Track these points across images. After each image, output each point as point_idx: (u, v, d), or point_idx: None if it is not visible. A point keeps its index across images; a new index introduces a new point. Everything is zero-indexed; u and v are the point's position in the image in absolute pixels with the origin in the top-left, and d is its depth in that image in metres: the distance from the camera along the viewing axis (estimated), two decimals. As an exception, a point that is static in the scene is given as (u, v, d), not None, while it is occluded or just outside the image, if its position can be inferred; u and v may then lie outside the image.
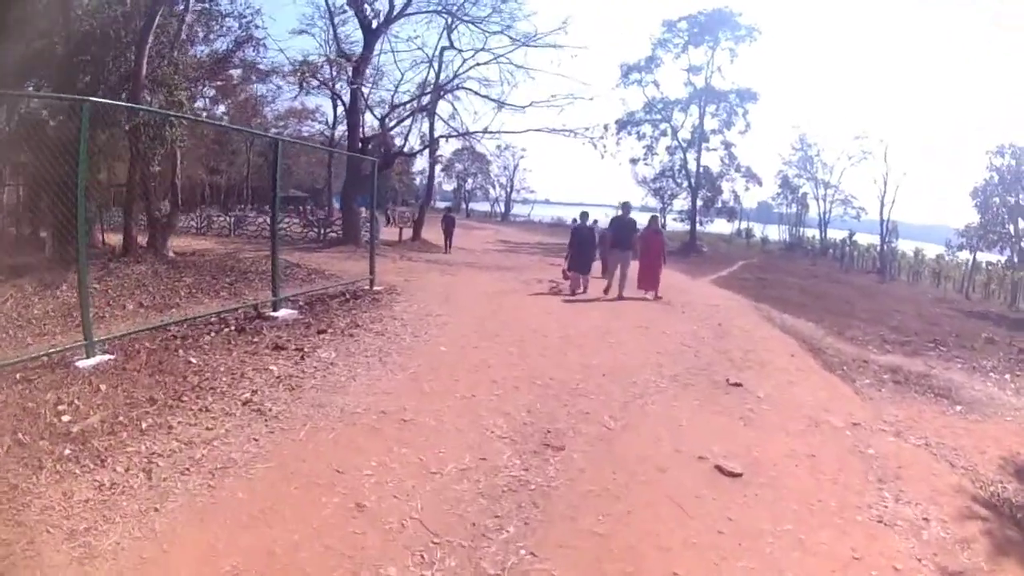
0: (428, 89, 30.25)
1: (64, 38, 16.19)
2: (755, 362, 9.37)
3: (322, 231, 30.76)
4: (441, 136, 32.91)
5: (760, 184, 54.13)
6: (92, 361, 7.00)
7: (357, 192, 27.34)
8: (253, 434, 5.36)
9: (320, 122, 51.13)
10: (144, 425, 5.34)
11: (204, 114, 28.64)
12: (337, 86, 30.13)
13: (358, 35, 28.22)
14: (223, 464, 4.78)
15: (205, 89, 27.44)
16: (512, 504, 4.48)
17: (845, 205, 56.15)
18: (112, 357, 7.26)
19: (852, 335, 12.82)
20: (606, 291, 15.08)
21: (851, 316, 16.23)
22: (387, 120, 30.54)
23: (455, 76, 30.18)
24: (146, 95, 16.55)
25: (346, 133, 30.74)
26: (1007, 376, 10.09)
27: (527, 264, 24.66)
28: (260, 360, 7.58)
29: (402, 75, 33.51)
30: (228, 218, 34.58)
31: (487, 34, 28.79)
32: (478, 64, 29.47)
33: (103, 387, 6.20)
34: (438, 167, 57.58)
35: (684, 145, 48.99)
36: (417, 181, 63.27)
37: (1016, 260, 38.20)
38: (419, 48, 30.10)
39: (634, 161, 51.89)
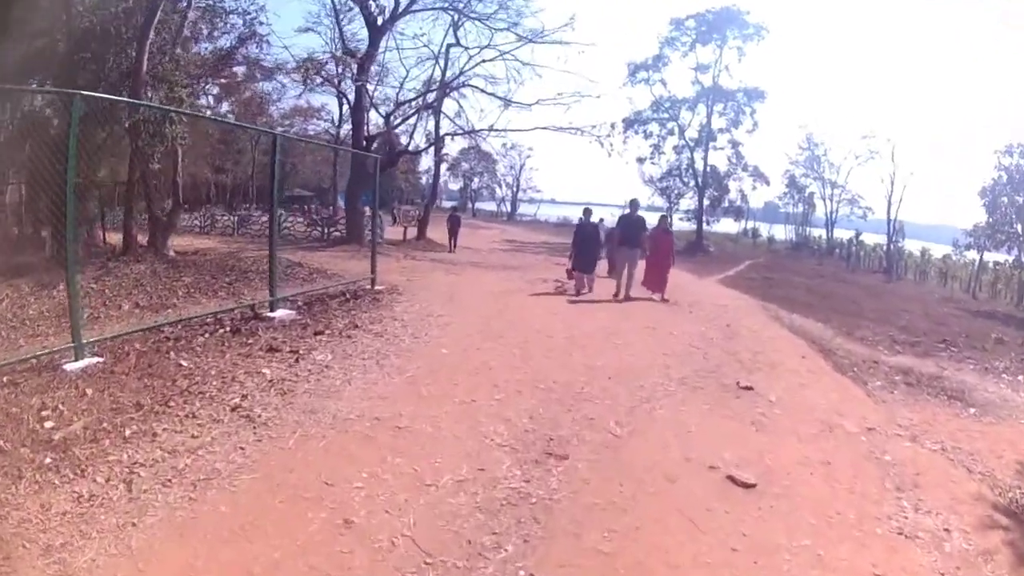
0: (434, 86, 30.12)
1: (66, 35, 16.08)
2: (765, 364, 9.10)
3: (326, 230, 30.61)
4: (447, 134, 32.71)
5: (767, 183, 54.20)
6: (80, 364, 6.78)
7: (361, 191, 27.07)
8: (240, 442, 5.10)
9: (326, 120, 51.10)
10: (128, 432, 5.10)
11: (208, 112, 28.46)
12: (343, 84, 29.94)
13: (364, 33, 28.04)
14: (206, 475, 4.53)
15: (208, 86, 27.25)
16: (511, 519, 4.20)
17: (852, 205, 55.58)
18: (101, 360, 7.03)
19: (861, 335, 12.61)
20: (616, 294, 14.66)
21: (859, 316, 16.09)
22: (392, 118, 30.37)
23: (461, 73, 30.04)
24: (147, 92, 16.33)
25: (351, 131, 30.49)
26: (1020, 377, 9.87)
27: (533, 263, 24.47)
28: (253, 363, 7.33)
29: (407, 72, 33.27)
30: (232, 217, 34.46)
31: (493, 31, 28.57)
32: (484, 61, 29.28)
33: (89, 391, 5.99)
34: (444, 166, 57.51)
35: (691, 144, 48.68)
36: (423, 180, 63.24)
37: (1024, 260, 37.92)
38: (425, 45, 29.88)
39: (641, 160, 51.48)
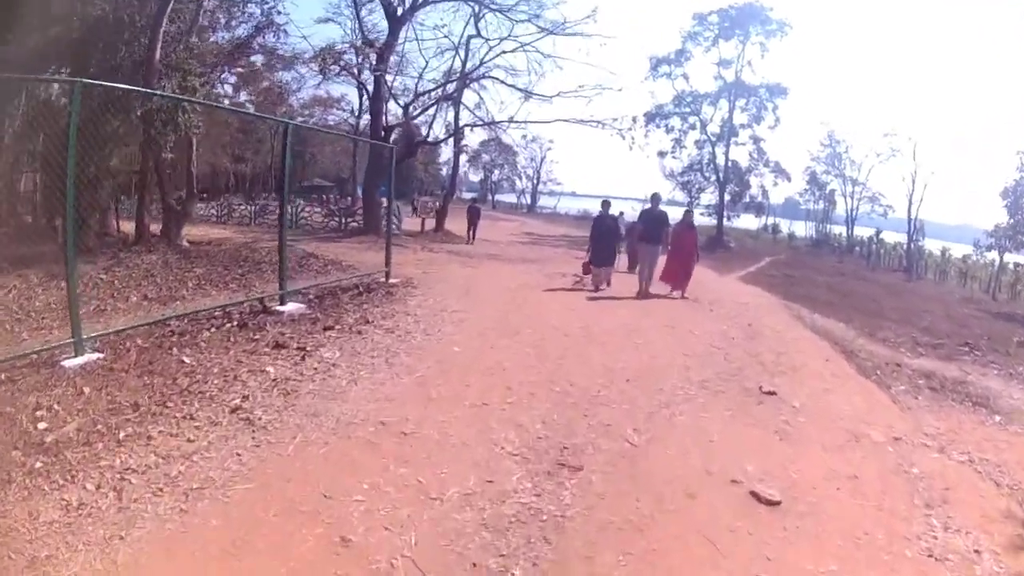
0: (454, 77, 30.03)
1: (80, 23, 15.93)
2: (788, 367, 8.75)
3: (343, 220, 30.48)
4: (466, 125, 32.59)
5: (789, 180, 53.67)
6: (79, 360, 6.62)
7: (379, 181, 26.91)
8: (237, 447, 4.85)
9: (345, 111, 51.07)
10: (122, 435, 4.89)
11: (226, 101, 28.36)
12: (363, 75, 29.75)
13: (384, 24, 27.98)
14: (200, 483, 4.28)
15: (225, 75, 27.12)
16: (520, 539, 3.91)
17: (872, 202, 55.32)
18: (101, 356, 6.87)
19: (883, 336, 12.33)
20: (639, 292, 14.31)
21: (880, 316, 15.84)
22: (411, 108, 30.28)
23: (481, 64, 30.02)
24: (161, 80, 16.17)
25: (370, 121, 30.33)
26: (1045, 385, 9.47)
27: (551, 256, 24.25)
28: (257, 360, 7.08)
29: (427, 63, 33.03)
30: (249, 207, 34.42)
31: (514, 22, 28.48)
32: (504, 52, 29.29)
33: (86, 390, 5.82)
34: (465, 157, 57.43)
35: (713, 139, 48.29)
36: (444, 171, 63.14)
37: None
38: (445, 36, 29.73)
39: (662, 154, 51.06)
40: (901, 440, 6.21)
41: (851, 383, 8.36)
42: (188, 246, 17.53)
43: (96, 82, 8.46)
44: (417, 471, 4.64)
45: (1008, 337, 14.42)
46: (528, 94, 29.33)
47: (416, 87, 30.39)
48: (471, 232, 28.71)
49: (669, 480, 4.83)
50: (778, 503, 4.58)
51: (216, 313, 9.31)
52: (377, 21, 28.81)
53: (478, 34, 29.14)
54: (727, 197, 48.55)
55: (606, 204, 15.95)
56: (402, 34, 27.94)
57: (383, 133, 27.32)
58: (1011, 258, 40.45)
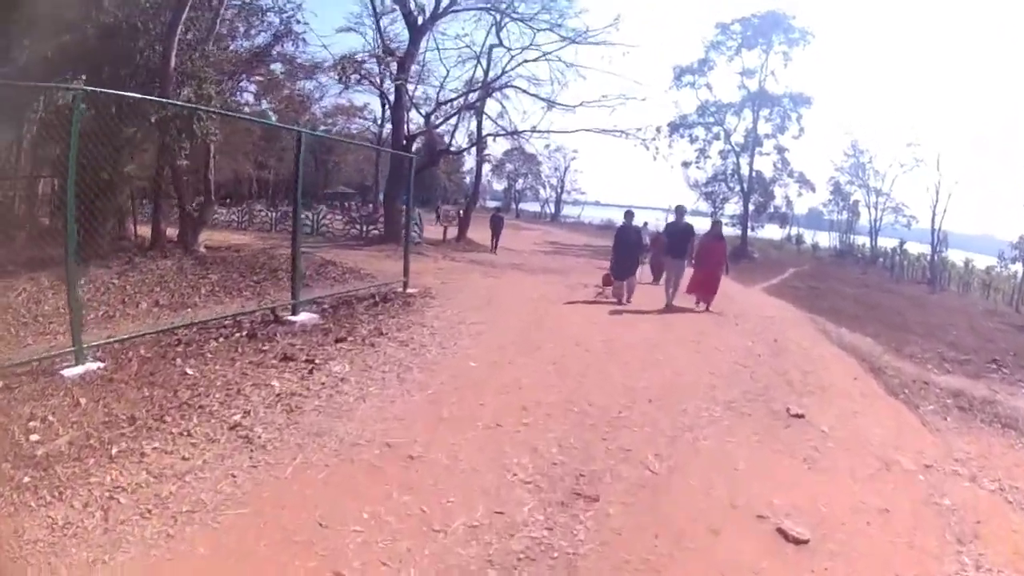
0: (476, 86, 29.93)
1: (94, 30, 15.90)
2: (816, 386, 8.39)
3: (364, 228, 30.32)
4: (488, 135, 32.37)
5: (813, 190, 53.68)
6: (79, 369, 6.41)
7: (400, 189, 26.78)
8: (233, 468, 4.58)
9: (368, 119, 51.28)
10: (115, 451, 4.66)
11: (247, 109, 28.37)
12: (385, 84, 29.71)
13: (406, 34, 27.95)
14: (190, 506, 4.02)
15: (244, 83, 27.18)
16: (529, 579, 3.59)
17: (896, 213, 55.10)
18: (102, 365, 6.66)
19: (910, 352, 12.10)
20: (665, 307, 13.96)
21: (906, 330, 15.61)
22: (433, 117, 30.15)
23: (503, 73, 29.86)
24: (176, 88, 16.10)
25: (391, 130, 30.26)
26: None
27: (574, 267, 24.04)
28: (263, 373, 6.81)
29: (447, 72, 32.97)
30: (270, 213, 34.42)
31: (535, 31, 28.35)
32: (526, 61, 29.09)
33: (83, 401, 5.59)
34: (488, 167, 57.42)
35: (737, 149, 48.31)
36: (468, 180, 63.20)
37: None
38: (467, 46, 29.59)
39: (686, 164, 51.19)
40: (932, 467, 5.90)
41: (880, 404, 8.04)
42: (205, 252, 17.41)
43: (97, 89, 8.35)
44: (422, 499, 4.33)
45: (1034, 352, 14.06)
46: (551, 104, 29.13)
47: (438, 96, 30.43)
48: (494, 241, 28.54)
49: (691, 514, 4.49)
50: (806, 542, 4.24)
51: (226, 322, 9.09)
52: (398, 31, 28.86)
53: (500, 43, 29.03)
54: (751, 207, 48.51)
55: (629, 215, 15.48)
56: (423, 43, 27.89)
57: (404, 142, 27.19)
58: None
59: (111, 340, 7.45)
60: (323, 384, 6.57)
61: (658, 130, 29.78)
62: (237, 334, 8.49)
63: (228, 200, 43.18)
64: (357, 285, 13.53)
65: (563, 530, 4.12)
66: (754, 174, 48.06)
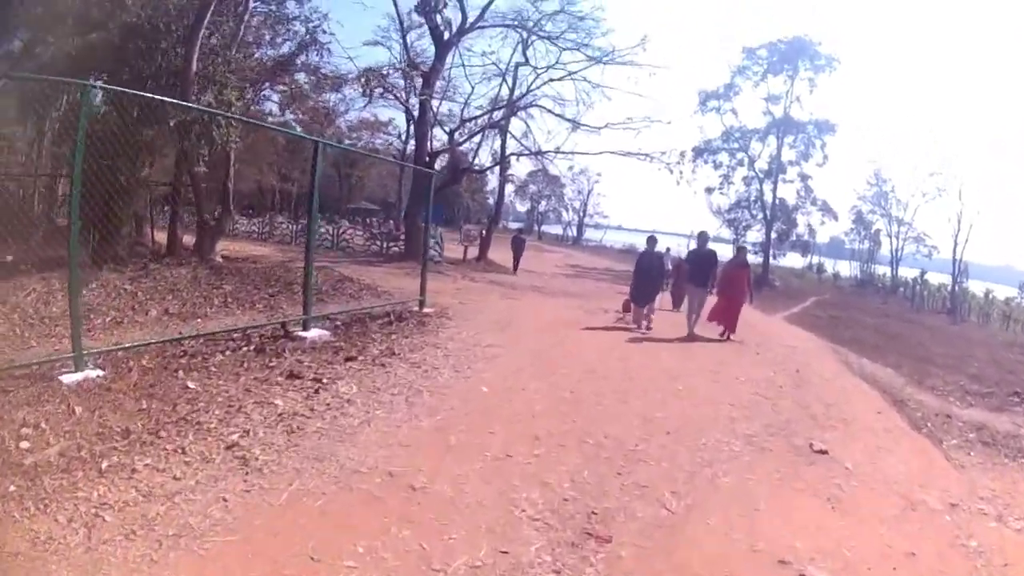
0: (500, 104, 29.94)
1: (118, 29, 16.00)
2: (839, 420, 8.11)
3: (385, 245, 30.21)
4: (512, 154, 32.40)
5: (836, 219, 54.17)
6: (77, 376, 6.25)
7: (422, 206, 26.75)
8: (225, 491, 4.34)
9: (392, 135, 51.56)
10: (105, 465, 4.48)
11: (271, 119, 28.44)
12: (411, 101, 29.80)
13: (432, 50, 28.13)
14: (177, 530, 3.80)
15: (268, 92, 27.30)
16: (532, 629, 3.30)
17: (917, 243, 54.83)
18: (102, 373, 6.50)
19: (932, 384, 11.89)
20: (687, 335, 13.62)
21: (928, 361, 15.33)
22: (457, 135, 30.16)
23: (528, 91, 30.03)
24: (196, 92, 16.12)
25: (415, 146, 30.28)
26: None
27: (595, 291, 23.81)
28: (267, 390, 6.58)
29: (472, 88, 33.03)
30: (291, 226, 34.44)
31: (561, 49, 28.52)
32: (552, 80, 29.28)
33: (78, 410, 5.43)
34: (511, 187, 57.53)
35: (761, 176, 48.33)
36: (491, 200, 63.49)
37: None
38: (493, 64, 29.67)
39: (710, 190, 51.44)
40: (958, 507, 5.63)
41: (905, 440, 7.76)
42: (221, 262, 17.35)
43: (108, 87, 8.24)
44: (422, 534, 4.04)
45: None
46: (576, 124, 29.25)
47: (462, 113, 30.55)
48: (516, 262, 28.49)
49: (709, 558, 4.19)
50: (832, 594, 3.94)
51: (234, 335, 8.90)
52: (425, 47, 29.14)
53: (526, 62, 29.15)
54: (773, 235, 48.38)
55: (652, 240, 15.15)
56: (449, 59, 28.06)
57: (428, 158, 27.17)
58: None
59: (113, 348, 7.34)
60: (328, 405, 6.33)
61: (682, 154, 29.89)
62: (245, 348, 8.31)
63: (251, 211, 43.44)
64: (373, 302, 13.37)
65: (572, 573, 3.83)
66: (777, 201, 47.98)
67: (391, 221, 44.57)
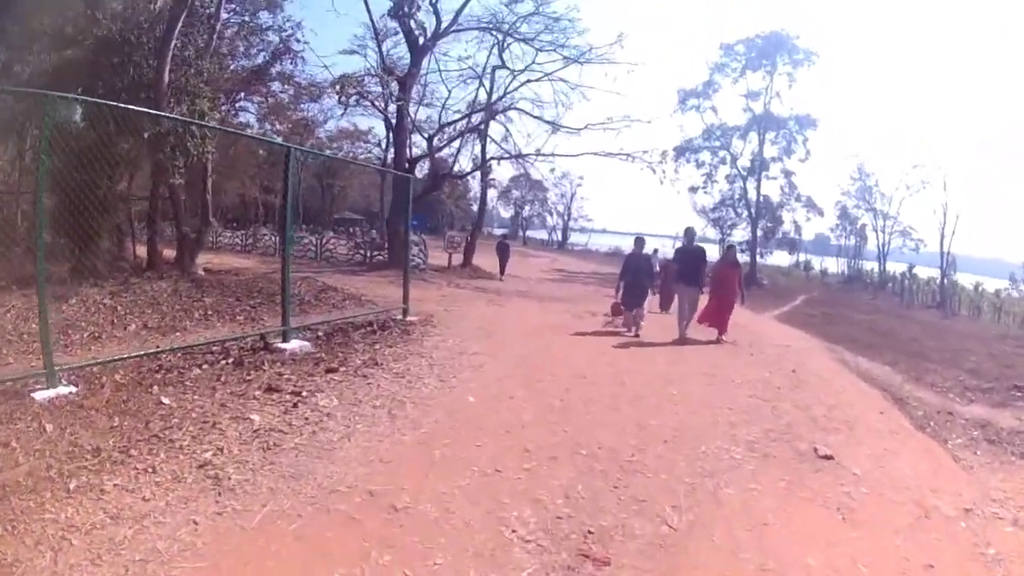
0: (478, 108, 30.02)
1: (91, 45, 15.99)
2: (841, 421, 7.84)
3: (368, 254, 30.04)
4: (492, 158, 32.38)
5: (821, 215, 54.51)
6: (50, 393, 6.09)
7: (403, 214, 26.60)
8: (196, 513, 4.10)
9: (373, 143, 51.59)
10: (73, 485, 4.32)
11: (249, 131, 28.28)
12: (389, 108, 29.53)
13: (408, 58, 28.09)
14: (144, 555, 3.60)
15: (243, 104, 27.24)
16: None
17: (904, 237, 55.43)
18: (74, 390, 6.32)
19: (931, 380, 11.71)
20: (678, 338, 13.34)
21: (924, 357, 15.19)
22: (436, 140, 30.22)
23: (505, 94, 30.02)
24: (170, 104, 16.05)
25: (394, 153, 30.13)
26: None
27: (582, 295, 23.58)
28: (244, 405, 6.30)
29: (449, 92, 32.85)
30: (274, 237, 34.25)
31: (537, 50, 28.52)
32: (529, 81, 29.40)
33: (49, 428, 5.27)
34: (494, 192, 57.39)
35: (744, 173, 48.40)
36: (475, 207, 63.48)
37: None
38: (470, 68, 29.61)
39: (693, 189, 51.40)
40: (972, 512, 5.38)
41: (911, 441, 7.51)
42: (203, 275, 17.20)
43: (67, 95, 8.06)
44: (404, 560, 3.76)
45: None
46: (556, 126, 29.22)
47: (440, 118, 30.48)
48: (502, 268, 28.42)
49: (716, 581, 3.92)
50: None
51: (213, 348, 8.64)
52: (401, 54, 29.07)
53: (503, 64, 29.07)
54: (760, 233, 48.50)
55: (639, 241, 14.85)
56: (425, 63, 28.05)
57: (408, 165, 27.01)
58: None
59: (86, 364, 7.16)
60: (306, 420, 6.05)
61: (664, 154, 29.77)
62: (223, 361, 8.05)
63: (235, 223, 43.22)
64: (356, 311, 13.10)
65: (568, 601, 3.54)
66: (761, 199, 48.08)
67: (374, 231, 44.43)
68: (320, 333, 10.40)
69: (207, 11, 18.96)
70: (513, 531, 4.24)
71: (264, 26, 23.69)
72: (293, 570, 3.58)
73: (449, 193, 54.01)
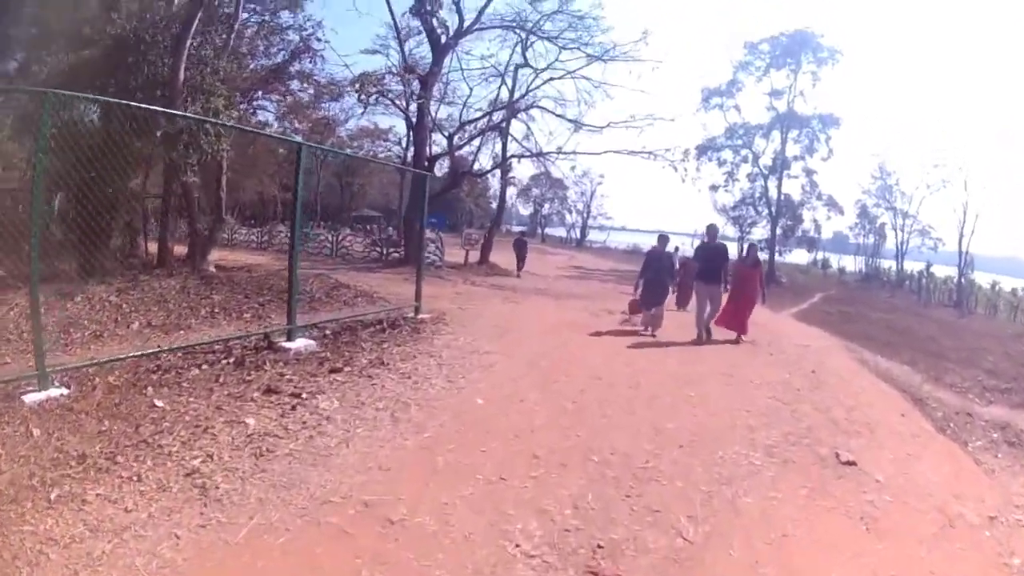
0: (500, 106, 29.79)
1: (107, 44, 16.06)
2: (862, 424, 7.56)
3: (384, 251, 29.98)
4: (513, 156, 31.97)
5: (842, 213, 54.26)
6: (40, 396, 5.90)
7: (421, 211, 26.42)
8: (179, 525, 3.87)
9: (393, 142, 51.64)
10: (55, 494, 4.10)
11: (268, 129, 28.22)
12: (410, 108, 29.40)
13: (430, 56, 27.88)
14: (121, 572, 3.42)
15: (261, 102, 27.21)
16: None
17: (923, 236, 55.59)
18: (65, 392, 6.11)
19: (950, 380, 11.75)
20: (697, 338, 12.91)
21: (942, 357, 15.20)
22: (456, 138, 30.00)
23: (528, 92, 29.84)
24: (185, 102, 16.06)
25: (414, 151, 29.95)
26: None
27: (599, 292, 23.36)
28: (240, 408, 6.05)
29: (471, 91, 32.71)
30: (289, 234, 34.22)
31: (560, 48, 28.27)
32: (552, 79, 29.19)
33: (36, 432, 5.08)
34: (514, 190, 57.27)
35: (765, 172, 48.16)
36: (493, 204, 63.38)
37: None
38: (493, 67, 29.35)
39: (714, 188, 51.31)
40: (996, 519, 5.20)
41: (933, 445, 7.29)
42: (214, 272, 17.04)
43: (69, 93, 7.92)
44: (398, 579, 3.48)
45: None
46: (578, 124, 28.91)
47: (461, 116, 30.19)
48: (519, 265, 28.19)
49: (736, 599, 3.62)
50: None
51: (215, 347, 8.42)
52: (424, 54, 28.91)
53: (526, 63, 28.82)
54: (779, 231, 48.32)
55: (663, 239, 14.41)
56: (446, 62, 27.78)
57: (427, 163, 26.85)
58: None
59: (81, 364, 6.95)
60: (304, 423, 5.79)
61: (686, 152, 29.36)
62: (224, 361, 7.81)
63: (252, 221, 43.34)
64: (366, 309, 12.88)
65: (575, 625, 3.25)
66: (782, 197, 47.91)
67: (391, 228, 44.32)
68: (327, 331, 10.17)
69: (226, 11, 19.02)
70: (517, 546, 3.97)
71: (284, 25, 23.68)
72: (278, 589, 3.29)
73: (469, 191, 53.91)
